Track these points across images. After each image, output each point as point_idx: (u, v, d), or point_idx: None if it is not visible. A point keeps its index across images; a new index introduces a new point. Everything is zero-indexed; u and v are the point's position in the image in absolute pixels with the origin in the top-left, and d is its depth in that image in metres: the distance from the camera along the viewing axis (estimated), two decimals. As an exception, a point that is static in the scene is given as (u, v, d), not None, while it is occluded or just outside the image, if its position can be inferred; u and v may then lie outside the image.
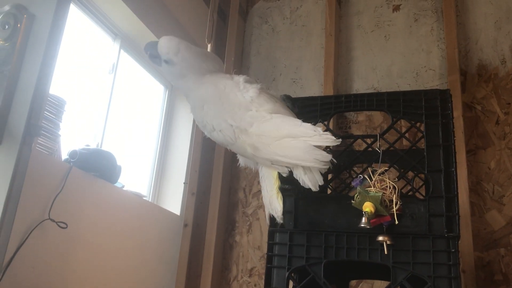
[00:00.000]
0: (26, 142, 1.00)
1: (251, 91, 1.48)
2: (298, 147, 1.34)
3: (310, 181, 1.35)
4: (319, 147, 1.34)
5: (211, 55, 1.70)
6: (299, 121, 1.39)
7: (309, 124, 1.37)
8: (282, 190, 1.45)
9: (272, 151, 1.38)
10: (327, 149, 1.39)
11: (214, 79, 1.57)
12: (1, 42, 1.08)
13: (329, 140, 1.31)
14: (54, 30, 1.12)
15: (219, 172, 2.70)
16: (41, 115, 1.67)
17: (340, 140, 1.31)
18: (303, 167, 1.36)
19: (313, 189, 1.35)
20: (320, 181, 1.34)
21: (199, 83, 1.57)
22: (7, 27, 1.08)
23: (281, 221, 1.43)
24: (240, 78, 1.53)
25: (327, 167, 1.33)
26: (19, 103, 1.02)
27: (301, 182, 1.37)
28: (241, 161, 1.57)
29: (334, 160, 1.34)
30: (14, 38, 1.07)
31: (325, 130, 1.58)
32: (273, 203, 1.44)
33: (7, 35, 1.08)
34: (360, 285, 2.35)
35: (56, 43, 1.13)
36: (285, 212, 1.42)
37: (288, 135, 1.37)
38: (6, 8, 1.10)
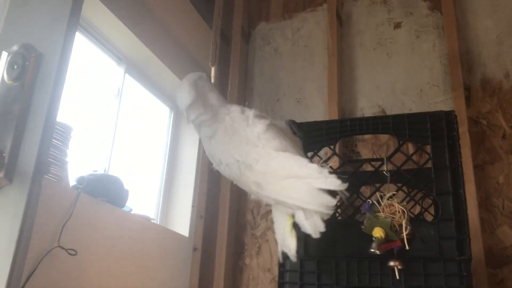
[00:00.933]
0: (36, 180, 1.01)
1: (259, 127, 1.45)
2: (302, 189, 1.30)
3: (310, 226, 1.30)
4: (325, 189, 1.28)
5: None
6: (305, 161, 1.35)
7: (315, 165, 1.32)
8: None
9: (276, 191, 1.35)
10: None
11: (224, 111, 1.55)
12: (10, 82, 1.10)
13: (335, 183, 1.26)
14: (61, 66, 1.13)
15: (227, 194, 2.70)
16: (49, 150, 1.68)
17: (347, 184, 1.25)
18: (304, 210, 1.31)
19: (313, 235, 1.29)
20: (321, 228, 1.29)
21: (210, 115, 1.57)
22: (15, 67, 1.10)
23: (295, 259, 1.39)
24: (250, 113, 1.51)
25: (331, 212, 1.29)
26: (28, 141, 1.03)
27: (301, 227, 1.32)
28: (252, 196, 1.54)
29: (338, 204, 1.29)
30: (23, 77, 1.09)
31: (332, 154, 1.59)
32: (286, 240, 1.40)
33: (16, 74, 1.09)
34: (372, 305, 2.32)
35: (63, 79, 1.14)
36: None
37: (292, 175, 1.33)
38: (15, 48, 1.12)
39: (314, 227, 1.30)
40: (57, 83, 1.11)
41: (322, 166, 1.32)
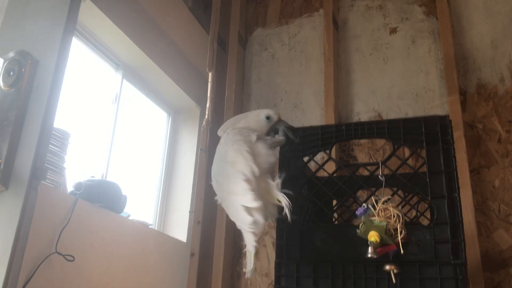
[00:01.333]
0: (32, 186, 1.01)
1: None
2: (233, 205, 1.35)
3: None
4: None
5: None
6: (243, 177, 1.36)
7: (245, 184, 1.34)
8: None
9: (225, 206, 1.43)
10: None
11: (226, 139, 1.58)
12: (7, 88, 1.10)
13: (250, 203, 1.29)
14: (57, 73, 1.14)
15: (224, 199, 2.70)
16: (46, 156, 1.68)
17: (260, 203, 1.29)
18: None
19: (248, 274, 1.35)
20: (250, 265, 1.34)
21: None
22: (12, 73, 1.11)
23: (250, 276, 1.41)
24: (238, 137, 1.52)
25: (256, 231, 1.30)
26: (24, 148, 1.04)
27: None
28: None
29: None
30: (19, 84, 1.09)
31: (328, 159, 1.60)
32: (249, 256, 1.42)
33: (12, 81, 1.10)
34: (370, 309, 2.33)
35: (60, 85, 1.15)
36: (289, 244, 1.42)
37: (231, 191, 1.38)
38: (11, 54, 1.12)
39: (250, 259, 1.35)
40: (53, 89, 1.12)
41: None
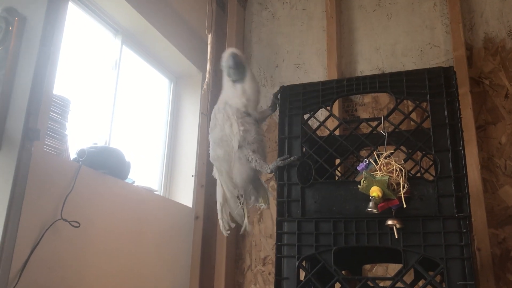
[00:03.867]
0: (25, 147, 1.00)
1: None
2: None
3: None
4: None
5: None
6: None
7: None
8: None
9: None
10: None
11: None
12: (-6, 47, 1.07)
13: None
14: (47, 30, 1.11)
15: (227, 162, 2.69)
16: (44, 116, 1.67)
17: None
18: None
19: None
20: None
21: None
22: (-1, 31, 1.07)
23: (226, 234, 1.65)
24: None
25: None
26: (16, 107, 1.02)
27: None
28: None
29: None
30: (6, 41, 1.06)
31: (328, 115, 1.56)
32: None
33: (0, 39, 1.07)
34: (375, 268, 2.34)
35: (50, 44, 1.12)
36: (290, 201, 1.41)
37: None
38: (-3, 12, 1.09)
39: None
40: (43, 47, 1.09)
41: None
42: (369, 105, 2.56)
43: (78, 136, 2.44)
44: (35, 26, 1.07)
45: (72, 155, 2.22)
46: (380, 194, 1.26)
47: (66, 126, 2.17)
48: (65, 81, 2.36)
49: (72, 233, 1.98)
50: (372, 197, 1.26)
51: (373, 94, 2.54)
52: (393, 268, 2.27)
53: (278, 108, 1.60)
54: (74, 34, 2.48)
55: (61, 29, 1.41)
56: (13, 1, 1.10)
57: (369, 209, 1.27)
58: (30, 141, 1.01)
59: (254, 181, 1.62)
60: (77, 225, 1.97)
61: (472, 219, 1.60)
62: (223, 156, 1.59)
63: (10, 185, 0.95)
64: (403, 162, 1.34)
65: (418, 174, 1.49)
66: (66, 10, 1.62)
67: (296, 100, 1.54)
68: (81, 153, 2.18)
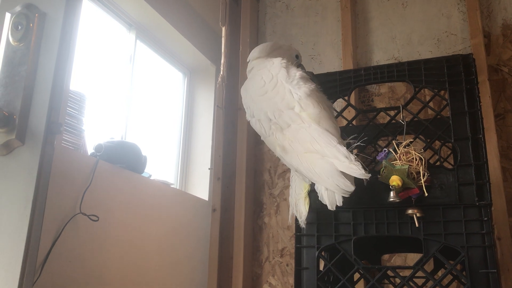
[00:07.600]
0: (48, 140, 1.01)
1: (302, 90, 1.37)
2: (324, 167, 1.25)
3: (328, 199, 1.26)
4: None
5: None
6: (335, 140, 1.28)
7: (344, 148, 1.26)
8: None
9: (299, 161, 1.30)
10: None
11: (270, 65, 1.49)
12: (16, 43, 1.09)
13: (357, 171, 1.20)
14: (65, 26, 1.11)
15: (243, 155, 2.70)
16: (61, 112, 1.68)
17: (369, 175, 1.21)
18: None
19: (330, 208, 1.26)
20: (339, 202, 1.25)
21: (256, 65, 1.55)
22: (20, 27, 1.09)
23: (304, 226, 1.39)
24: (297, 73, 1.43)
25: (347, 195, 1.23)
26: (38, 102, 1.03)
27: (319, 196, 1.29)
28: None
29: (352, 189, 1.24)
30: (27, 38, 1.07)
31: (346, 105, 1.56)
32: (299, 205, 1.41)
33: (21, 35, 1.08)
34: (393, 258, 2.33)
35: (69, 39, 1.12)
36: (311, 191, 1.41)
37: (318, 151, 1.27)
38: (18, 8, 1.10)
39: (332, 200, 1.26)
40: (63, 43, 1.10)
41: (350, 151, 1.27)
42: (386, 95, 2.54)
43: (95, 131, 2.46)
44: (55, 22, 1.08)
45: (89, 150, 2.24)
46: (400, 183, 1.26)
47: (83, 121, 2.19)
48: (80, 77, 2.39)
49: (91, 227, 2.00)
50: (392, 186, 1.26)
51: (389, 84, 2.51)
52: (412, 258, 2.26)
53: None
54: (89, 30, 2.50)
55: (77, 25, 1.41)
56: (32, -3, 1.11)
57: (391, 199, 1.27)
58: (52, 135, 1.02)
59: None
60: (96, 219, 2.00)
61: (492, 208, 1.58)
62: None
63: (34, 178, 0.96)
64: (422, 150, 1.33)
65: (438, 163, 1.48)
66: (81, 6, 1.64)
67: (313, 90, 1.53)
68: (98, 147, 2.20)
